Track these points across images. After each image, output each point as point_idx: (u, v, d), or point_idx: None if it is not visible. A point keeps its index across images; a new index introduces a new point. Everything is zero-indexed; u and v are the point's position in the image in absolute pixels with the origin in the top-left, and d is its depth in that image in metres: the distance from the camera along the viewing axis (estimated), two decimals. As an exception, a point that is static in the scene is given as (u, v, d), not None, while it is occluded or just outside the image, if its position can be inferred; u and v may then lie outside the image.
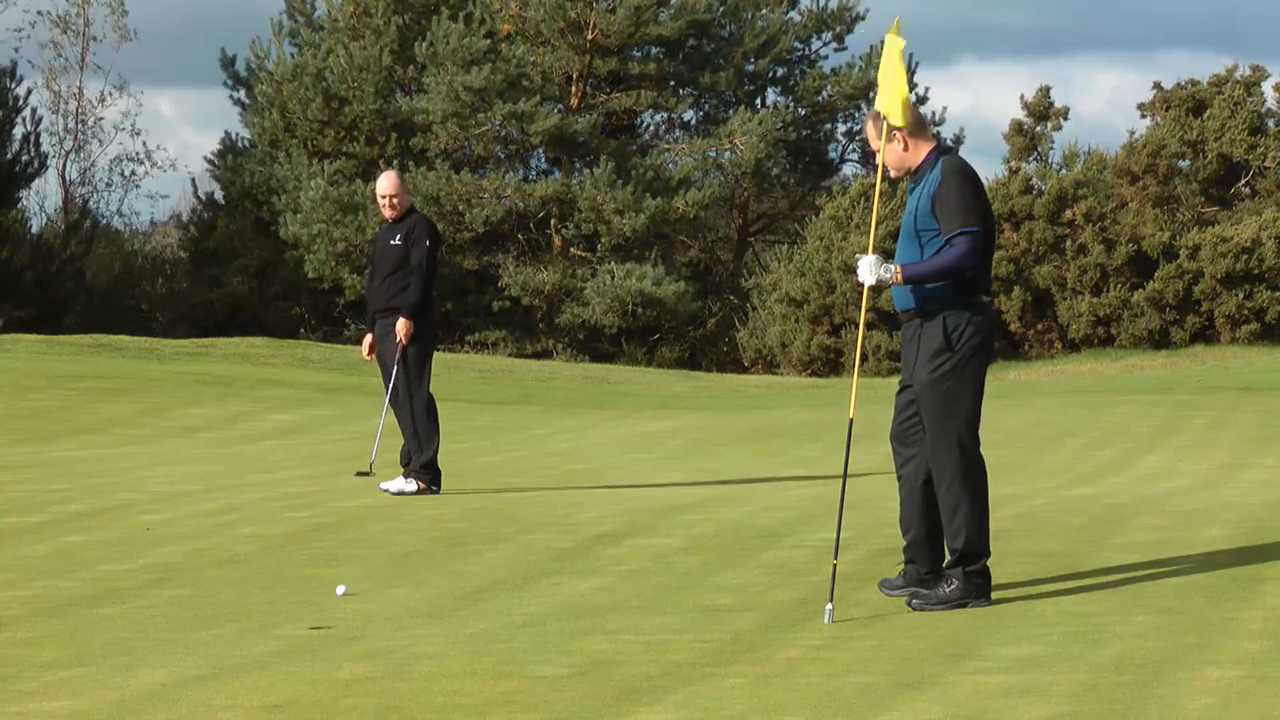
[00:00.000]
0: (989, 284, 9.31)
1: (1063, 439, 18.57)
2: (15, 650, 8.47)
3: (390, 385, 14.01)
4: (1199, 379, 28.87)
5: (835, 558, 9.12)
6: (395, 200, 13.95)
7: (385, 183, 14.09)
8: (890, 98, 9.21)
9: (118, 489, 14.18)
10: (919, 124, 9.31)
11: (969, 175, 9.19)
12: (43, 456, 17.30)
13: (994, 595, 9.16)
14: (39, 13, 54.64)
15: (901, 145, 9.24)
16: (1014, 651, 7.88)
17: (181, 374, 25.90)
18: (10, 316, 43.71)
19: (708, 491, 13.87)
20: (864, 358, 43.13)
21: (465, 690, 7.40)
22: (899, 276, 9.05)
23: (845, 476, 9.51)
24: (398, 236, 13.91)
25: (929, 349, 9.07)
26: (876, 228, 9.97)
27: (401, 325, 13.81)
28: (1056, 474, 15.64)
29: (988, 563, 9.11)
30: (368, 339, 14.22)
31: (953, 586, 9.03)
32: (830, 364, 43.61)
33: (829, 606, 8.79)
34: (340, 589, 9.68)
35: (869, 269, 9.06)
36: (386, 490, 13.64)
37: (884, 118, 9.23)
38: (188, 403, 22.60)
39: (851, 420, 9.47)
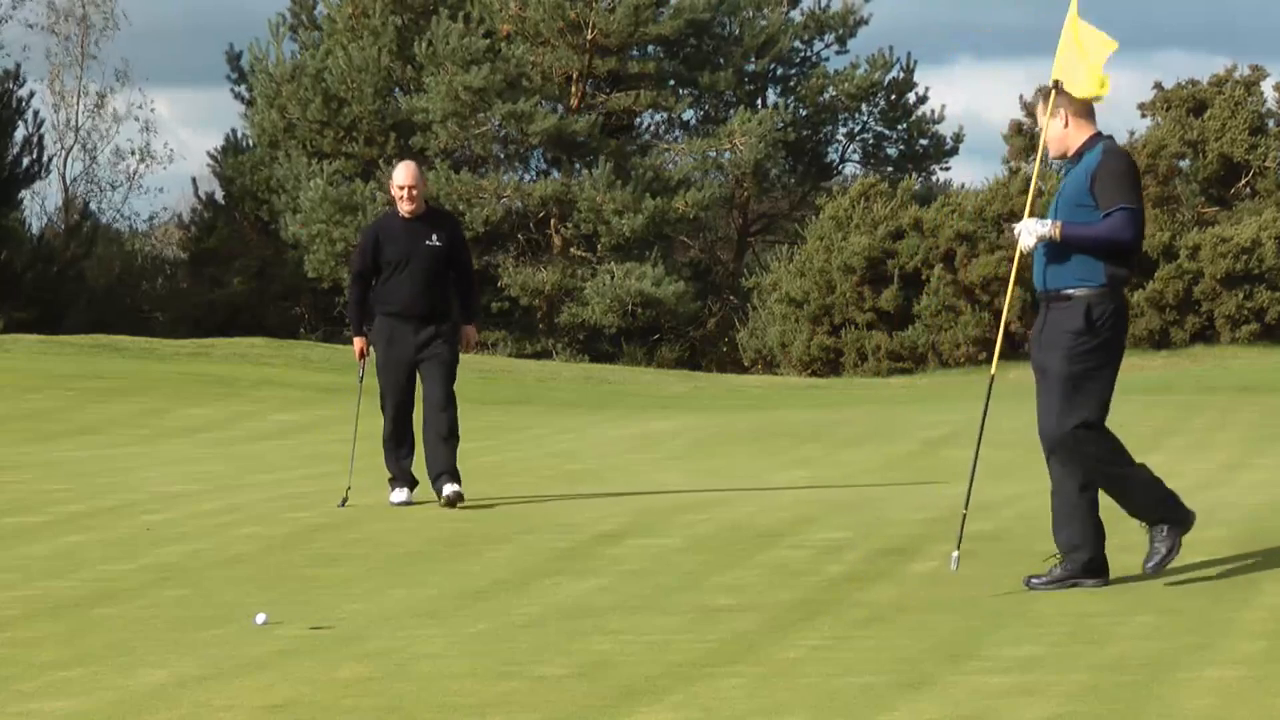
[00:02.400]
0: (1131, 273, 9.31)
1: (1063, 439, 18.52)
2: (15, 650, 8.47)
3: (398, 393, 12.99)
4: (1199, 379, 28.86)
5: (965, 508, 9.56)
6: (415, 192, 12.85)
7: (404, 173, 12.98)
8: (1074, 67, 9.28)
9: (118, 489, 14.18)
10: (1086, 108, 9.37)
11: (1129, 159, 9.35)
12: (43, 456, 17.29)
13: (993, 595, 9.17)
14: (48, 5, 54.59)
15: (1063, 123, 9.32)
16: (1014, 651, 7.88)
17: (181, 374, 25.89)
18: (10, 317, 43.70)
19: (708, 491, 13.87)
20: (863, 357, 43.13)
21: (465, 690, 7.39)
22: (1057, 231, 9.12)
23: (981, 431, 9.83)
24: (434, 236, 12.88)
25: (1068, 329, 9.12)
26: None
27: (472, 333, 13.18)
28: (1056, 474, 15.60)
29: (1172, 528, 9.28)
30: (359, 342, 13.22)
31: (1066, 568, 9.26)
32: (830, 364, 43.61)
33: (955, 554, 9.33)
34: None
35: (1029, 230, 9.16)
36: (458, 493, 12.68)
37: (1058, 88, 9.28)
38: (188, 403, 22.59)
39: (993, 377, 9.91)
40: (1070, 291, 9.15)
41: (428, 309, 12.86)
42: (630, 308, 46.75)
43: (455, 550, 11.08)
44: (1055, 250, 9.18)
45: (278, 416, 21.86)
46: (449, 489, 12.65)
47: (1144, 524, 9.38)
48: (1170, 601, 8.88)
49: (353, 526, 12.07)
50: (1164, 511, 9.31)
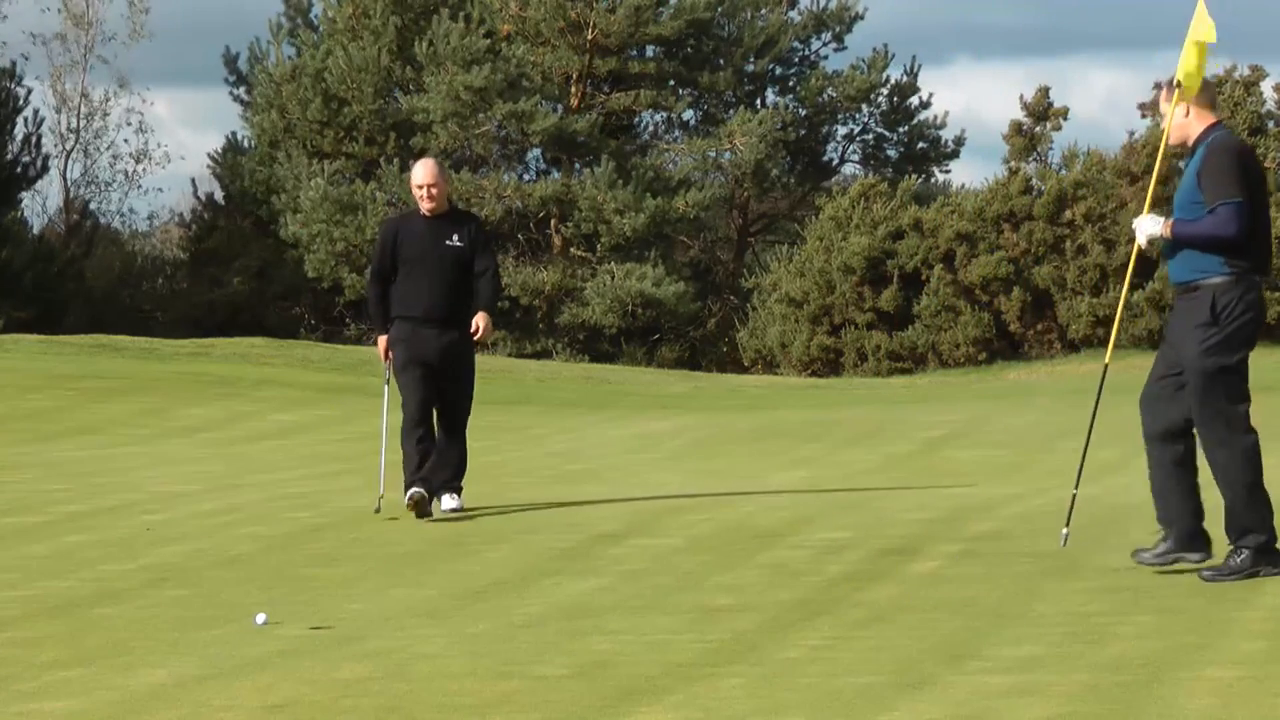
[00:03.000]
0: (1262, 261, 9.36)
1: (1063, 439, 18.55)
2: (15, 650, 8.47)
3: (419, 398, 12.43)
4: (1199, 379, 28.74)
5: (1075, 489, 9.93)
6: (435, 190, 12.30)
7: (423, 172, 12.46)
8: (1189, 66, 9.38)
9: (118, 489, 14.18)
10: (1208, 99, 9.45)
11: (1233, 150, 9.38)
12: (43, 456, 17.29)
13: (993, 595, 9.16)
14: (47, 9, 54.56)
15: (1185, 112, 9.43)
16: (1014, 651, 7.88)
17: (181, 374, 25.89)
18: (10, 317, 43.70)
19: (708, 491, 13.86)
20: (863, 358, 43.14)
21: (465, 690, 7.39)
22: (1168, 230, 9.25)
23: (1094, 415, 10.05)
24: (455, 236, 12.35)
25: (1195, 322, 9.19)
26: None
27: (484, 321, 12.33)
28: (1056, 474, 15.63)
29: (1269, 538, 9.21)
30: (383, 341, 12.59)
31: (1243, 557, 9.18)
32: (830, 364, 43.61)
33: (1064, 531, 9.65)
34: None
35: (1143, 229, 9.33)
36: (455, 509, 12.40)
37: (1178, 85, 9.38)
38: (188, 403, 22.59)
39: (1106, 366, 10.20)
40: (1195, 283, 9.25)
41: (448, 312, 12.36)
42: (630, 308, 46.75)
43: (455, 550, 11.08)
44: (1177, 243, 9.27)
45: (278, 416, 21.86)
46: (450, 501, 12.38)
47: (1233, 538, 9.30)
48: (1170, 601, 8.88)
49: (353, 526, 12.07)
50: (1260, 538, 9.22)
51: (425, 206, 12.42)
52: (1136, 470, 15.90)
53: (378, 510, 12.34)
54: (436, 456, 12.41)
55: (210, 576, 10.46)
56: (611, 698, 7.22)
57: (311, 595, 9.77)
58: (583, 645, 8.27)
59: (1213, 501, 9.42)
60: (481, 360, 41.24)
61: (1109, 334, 43.68)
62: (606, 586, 9.86)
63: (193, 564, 10.86)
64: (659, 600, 9.42)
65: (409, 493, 12.21)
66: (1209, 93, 9.50)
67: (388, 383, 12.86)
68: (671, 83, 50.01)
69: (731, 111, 50.43)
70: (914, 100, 53.03)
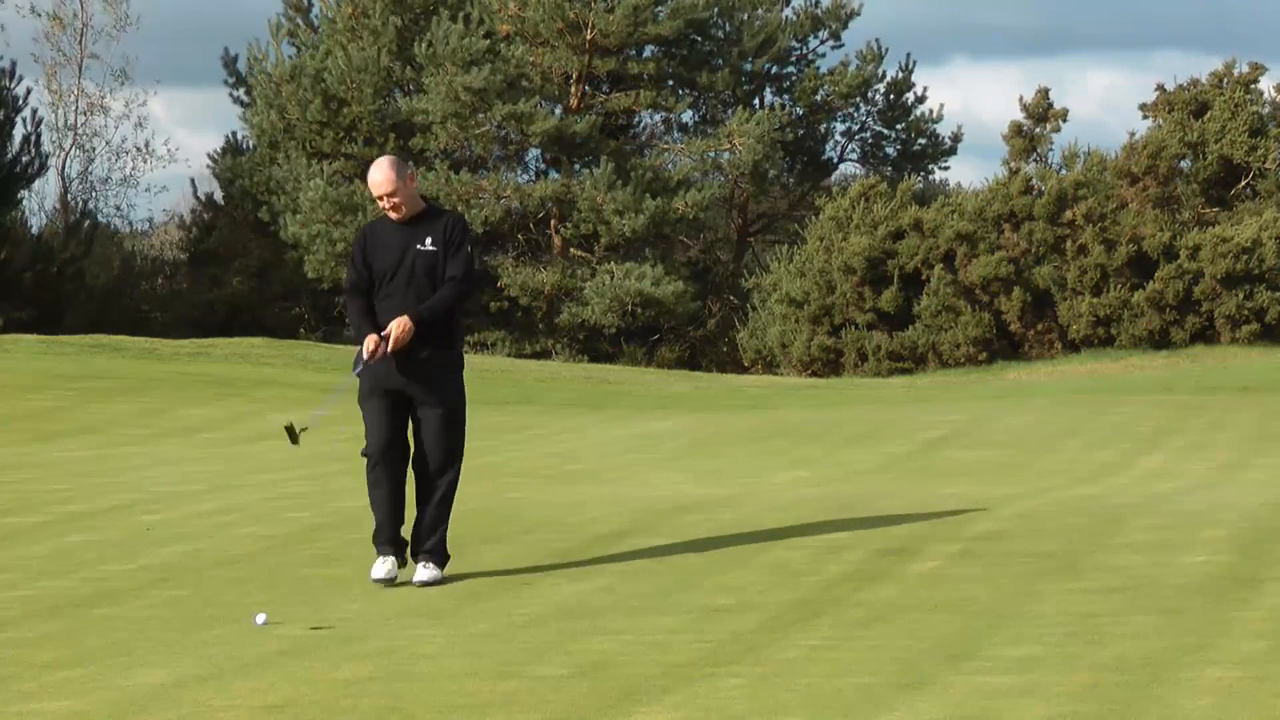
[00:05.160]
0: None
1: (1063, 439, 18.56)
2: (15, 650, 8.47)
3: (386, 431, 10.34)
4: (1199, 379, 28.86)
5: None
6: (396, 200, 10.24)
7: (378, 180, 10.27)
8: None
9: (118, 489, 14.18)
10: None
11: None
12: (43, 456, 17.29)
13: (993, 595, 9.17)
14: (31, 10, 54.51)
15: None
16: (1014, 651, 7.88)
17: (181, 374, 25.89)
18: (10, 317, 43.71)
19: (708, 491, 13.86)
20: (863, 358, 43.15)
21: (465, 690, 7.39)
22: None
23: None
24: (428, 239, 10.27)
25: None
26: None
27: (396, 327, 10.16)
28: (1057, 474, 15.64)
29: None
30: (372, 337, 10.28)
31: None
32: (830, 364, 43.62)
33: None
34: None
35: None
36: (426, 583, 10.17)
37: None
38: (188, 403, 22.59)
39: None
40: None
41: (425, 329, 10.23)
42: (630, 308, 46.76)
43: (455, 550, 11.07)
44: None
45: (278, 416, 21.84)
46: (424, 572, 10.23)
47: None
48: (1170, 601, 8.88)
49: (353, 526, 12.06)
50: None
51: (391, 216, 10.37)
52: (1134, 471, 15.93)
53: (302, 430, 10.57)
54: (418, 514, 10.39)
55: (210, 576, 10.46)
56: (611, 698, 7.22)
57: (311, 595, 9.77)
58: (583, 645, 8.27)
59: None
60: (481, 360, 40.76)
61: (1110, 334, 43.90)
62: (606, 586, 9.86)
63: (193, 564, 10.86)
64: (659, 600, 9.42)
65: (373, 566, 10.22)
66: None
67: (356, 373, 10.59)
68: (670, 83, 50.03)
69: (730, 111, 50.47)
70: (910, 95, 53.10)
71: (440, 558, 10.27)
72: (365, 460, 10.44)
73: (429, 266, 10.25)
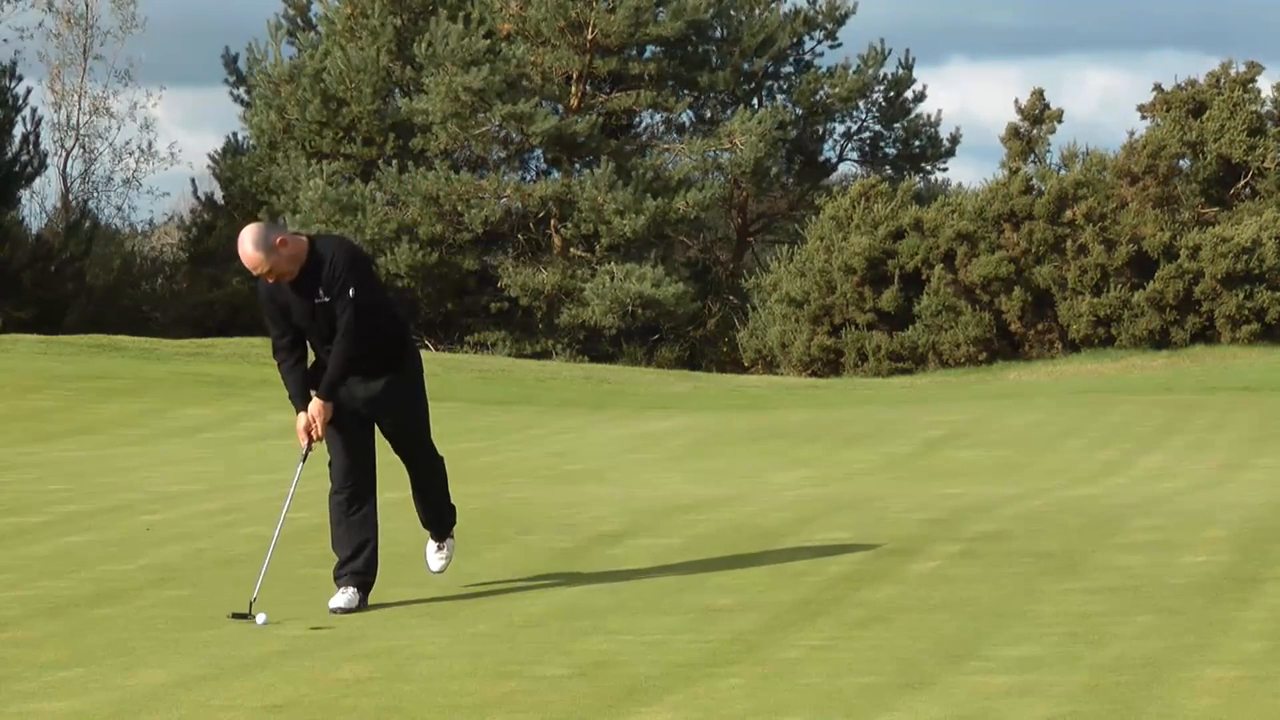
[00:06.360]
0: None
1: (1063, 439, 18.57)
2: (15, 650, 8.47)
3: (348, 455, 9.74)
4: (1199, 379, 28.86)
5: None
6: (270, 275, 9.51)
7: (246, 258, 9.50)
8: None
9: (118, 489, 14.18)
10: None
11: None
12: (43, 456, 17.29)
13: (993, 595, 9.17)
14: (46, 8, 54.50)
15: None
16: (1014, 651, 7.88)
17: (181, 374, 25.89)
18: (10, 316, 43.70)
19: (708, 491, 13.86)
20: (864, 358, 43.15)
21: (465, 690, 7.39)
22: None
23: None
24: (321, 291, 9.54)
25: None
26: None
27: (314, 408, 9.62)
28: (1057, 474, 15.64)
29: None
30: (303, 418, 9.72)
31: None
32: (830, 364, 43.62)
33: None
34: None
35: None
36: (440, 570, 10.15)
37: None
38: (188, 403, 22.59)
39: None
40: None
41: (366, 363, 9.64)
42: (630, 308, 46.76)
43: (455, 550, 11.07)
44: None
45: (278, 416, 21.83)
46: (436, 561, 10.18)
47: None
48: (1170, 601, 8.88)
49: (353, 526, 12.05)
50: None
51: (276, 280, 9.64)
52: (1134, 471, 15.93)
53: (245, 614, 9.17)
54: (418, 507, 10.21)
55: (210, 576, 10.46)
56: (611, 698, 7.22)
57: (311, 595, 9.76)
58: (583, 645, 8.27)
59: None
60: (481, 360, 40.77)
61: (1110, 334, 43.90)
62: (606, 586, 9.86)
63: (193, 564, 10.86)
64: (659, 600, 9.42)
65: (333, 598, 9.58)
66: None
67: (303, 460, 9.93)
68: (671, 83, 50.03)
69: (730, 111, 50.47)
70: (909, 94, 53.11)
71: (446, 541, 10.14)
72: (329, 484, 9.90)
73: (331, 318, 9.60)
